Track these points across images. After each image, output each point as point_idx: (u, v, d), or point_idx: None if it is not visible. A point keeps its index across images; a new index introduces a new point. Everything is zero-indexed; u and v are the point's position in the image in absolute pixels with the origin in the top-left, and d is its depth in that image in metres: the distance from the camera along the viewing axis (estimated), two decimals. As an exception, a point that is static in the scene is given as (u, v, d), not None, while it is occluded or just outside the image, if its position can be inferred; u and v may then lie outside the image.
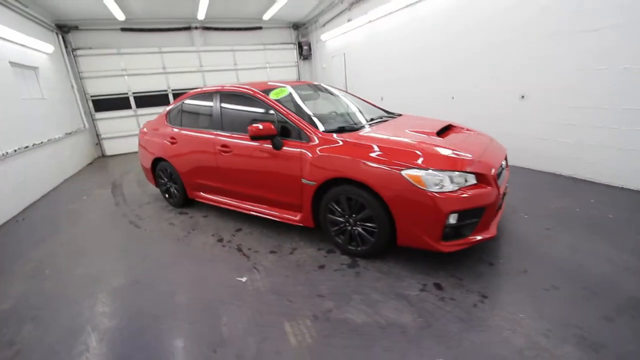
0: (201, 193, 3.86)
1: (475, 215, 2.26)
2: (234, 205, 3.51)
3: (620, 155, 3.51)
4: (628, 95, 3.37)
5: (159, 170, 4.21)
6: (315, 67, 10.62)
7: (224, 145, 3.31)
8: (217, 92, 3.55)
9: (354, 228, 2.61)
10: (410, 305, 2.08)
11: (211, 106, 3.56)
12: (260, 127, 2.79)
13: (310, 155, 2.67)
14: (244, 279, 2.53)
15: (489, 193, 2.28)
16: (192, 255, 2.99)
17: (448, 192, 2.18)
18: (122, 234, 3.64)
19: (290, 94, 3.26)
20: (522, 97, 4.45)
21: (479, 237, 2.30)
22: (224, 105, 3.46)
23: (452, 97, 5.57)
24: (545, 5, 3.93)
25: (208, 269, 2.74)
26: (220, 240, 3.24)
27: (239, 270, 2.67)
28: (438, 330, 1.85)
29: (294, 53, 10.69)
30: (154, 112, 8.72)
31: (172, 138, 3.89)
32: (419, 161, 2.27)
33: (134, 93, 8.88)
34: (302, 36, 10.64)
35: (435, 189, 2.18)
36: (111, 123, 8.85)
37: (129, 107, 8.92)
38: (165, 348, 1.91)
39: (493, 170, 2.36)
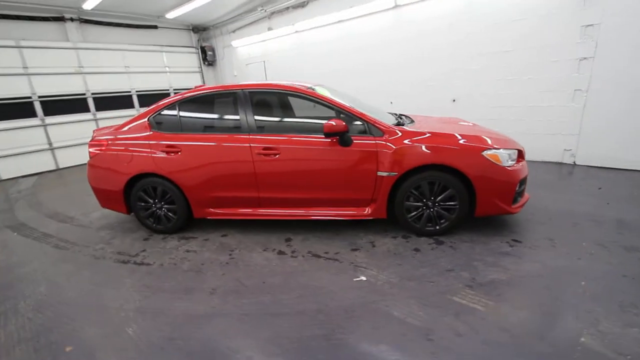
0: (215, 209, 3.27)
1: (524, 181, 2.96)
2: (276, 215, 3.17)
3: (528, 138, 5.05)
4: (530, 96, 4.92)
5: (140, 190, 3.30)
6: (222, 74, 10.02)
7: (267, 149, 2.98)
8: (244, 90, 3.13)
9: (433, 209, 2.90)
10: (518, 257, 2.55)
11: (237, 107, 3.12)
12: (334, 123, 2.73)
13: (394, 146, 2.81)
14: (362, 278, 2.44)
15: (525, 164, 3.02)
16: (278, 273, 2.59)
17: (513, 165, 2.79)
18: (196, 279, 2.71)
19: (329, 92, 3.25)
20: (454, 100, 5.72)
21: (527, 197, 3.01)
22: (259, 105, 3.10)
23: (391, 102, 6.50)
24: (470, 32, 5.23)
25: (312, 280, 2.47)
26: (282, 253, 2.90)
27: (344, 272, 2.53)
28: (550, 262, 2.38)
29: (196, 58, 9.77)
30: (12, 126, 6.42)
31: (170, 147, 3.16)
32: (490, 143, 2.80)
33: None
34: (203, 40, 9.85)
35: (507, 164, 2.75)
36: None
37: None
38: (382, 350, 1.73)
39: (523, 148, 3.13)
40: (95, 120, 7.76)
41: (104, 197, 3.50)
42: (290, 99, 3.38)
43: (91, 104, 7.67)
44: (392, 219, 3.05)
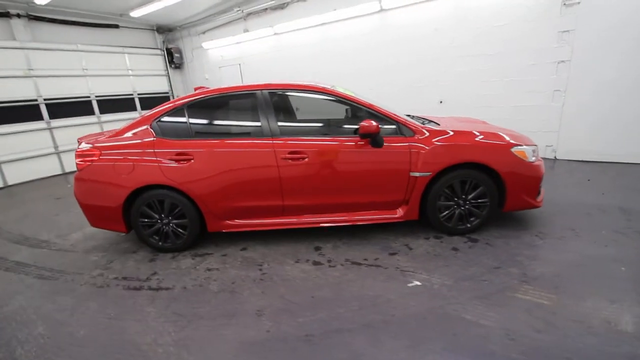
0: (233, 221, 2.99)
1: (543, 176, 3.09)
2: (304, 223, 2.97)
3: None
4: (513, 97, 5.24)
5: (144, 205, 2.91)
6: (191, 77, 9.44)
7: (294, 152, 2.79)
8: (263, 91, 2.90)
9: (464, 208, 2.91)
10: (553, 249, 2.64)
11: (256, 109, 2.88)
12: (369, 124, 2.64)
13: (426, 146, 2.77)
14: (417, 283, 2.35)
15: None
16: (324, 285, 2.39)
17: (535, 161, 2.90)
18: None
19: (352, 93, 3.15)
20: (441, 102, 5.92)
21: (543, 191, 3.15)
22: (279, 106, 2.89)
23: (377, 104, 6.55)
24: (455, 36, 5.45)
25: (363, 289, 2.32)
26: (319, 263, 2.71)
27: (394, 278, 2.42)
28: (583, 251, 2.49)
29: (161, 60, 9.10)
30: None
31: (181, 155, 2.83)
32: (515, 141, 2.88)
33: None
34: (169, 42, 9.21)
35: (532, 159, 2.85)
36: None
37: None
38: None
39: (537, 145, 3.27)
40: (50, 129, 6.82)
41: (97, 215, 3.04)
42: (312, 99, 3.22)
43: (44, 110, 6.74)
44: (423, 220, 3.01)
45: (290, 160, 2.79)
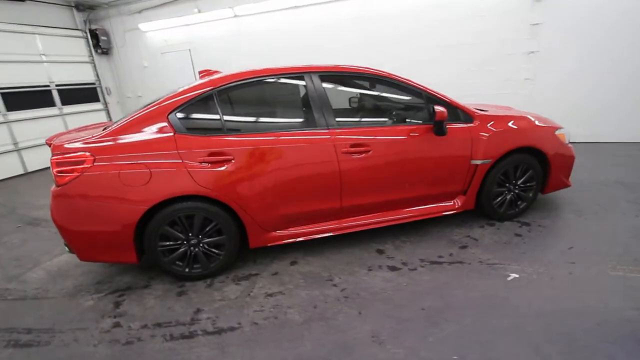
0: (283, 232, 2.49)
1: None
2: (364, 225, 2.61)
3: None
4: (490, 86, 5.58)
5: (166, 224, 2.20)
6: (124, 64, 7.94)
7: (357, 145, 2.40)
8: (312, 73, 2.42)
9: (514, 193, 2.90)
10: (603, 222, 2.77)
11: (306, 95, 2.40)
12: (441, 110, 2.41)
13: (486, 133, 2.65)
14: (515, 275, 2.22)
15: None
16: (422, 292, 2.08)
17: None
18: None
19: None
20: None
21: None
22: (322, 92, 2.44)
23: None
24: (434, 25, 5.53)
25: (468, 290, 2.10)
26: (395, 268, 2.40)
27: (487, 274, 2.26)
28: (629, 222, 2.70)
29: (84, 44, 7.42)
30: None
31: (217, 155, 2.21)
32: (552, 124, 2.96)
33: None
34: (93, 22, 7.55)
35: (567, 141, 2.98)
36: None
37: None
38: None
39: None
40: None
41: (93, 245, 2.21)
42: (361, 85, 2.85)
43: None
44: (477, 209, 2.92)
45: (352, 155, 2.40)
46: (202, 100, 2.28)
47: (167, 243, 2.27)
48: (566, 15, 4.88)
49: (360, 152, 2.42)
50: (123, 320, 2.07)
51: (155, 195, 2.12)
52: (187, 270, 2.36)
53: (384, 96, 2.87)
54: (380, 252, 2.63)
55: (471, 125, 2.67)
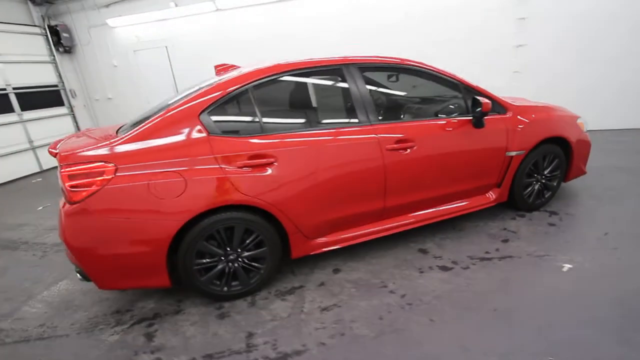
0: (327, 238, 2.29)
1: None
2: (405, 225, 2.48)
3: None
4: (479, 80, 5.67)
5: (202, 239, 1.93)
6: (89, 65, 7.24)
7: (401, 141, 2.26)
8: (350, 65, 2.24)
9: (542, 183, 2.92)
10: (624, 207, 2.88)
11: (346, 88, 2.21)
12: (487, 102, 2.34)
13: (519, 125, 2.63)
14: (568, 266, 2.20)
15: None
16: (487, 292, 1.99)
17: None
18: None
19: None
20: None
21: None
22: (371, 85, 2.29)
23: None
24: (424, 21, 5.55)
25: (531, 286, 2.04)
26: (446, 268, 2.30)
27: (539, 266, 2.23)
28: None
29: (42, 42, 6.63)
30: None
31: (259, 157, 1.97)
32: (572, 113, 3.02)
33: None
34: (52, 17, 6.77)
35: (585, 130, 3.05)
36: None
37: None
38: None
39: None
40: None
41: (118, 269, 1.88)
42: (400, 77, 2.72)
43: None
44: (509, 201, 2.90)
45: (397, 151, 2.26)
46: (236, 97, 2.03)
47: (204, 261, 2.00)
48: (550, 8, 5.08)
49: (405, 149, 2.28)
50: (164, 355, 1.78)
51: (193, 206, 1.85)
52: (225, 289, 2.10)
53: (423, 88, 2.76)
54: (423, 251, 2.52)
55: (505, 116, 2.64)
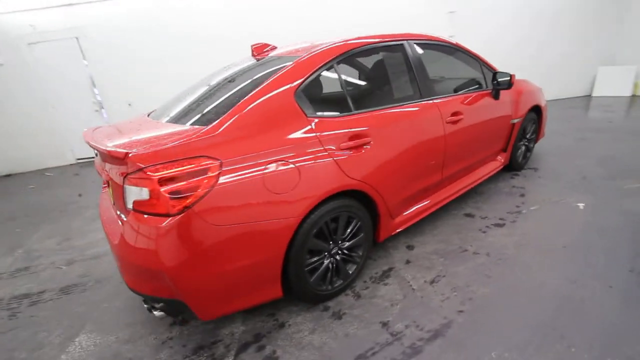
0: (403, 216, 2.30)
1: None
2: (450, 196, 2.62)
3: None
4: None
5: (313, 235, 1.72)
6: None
7: (455, 113, 2.41)
8: (409, 42, 2.29)
9: (525, 145, 3.48)
10: (582, 156, 3.66)
11: (408, 64, 2.23)
12: (513, 74, 2.69)
13: (521, 95, 3.08)
14: (583, 204, 2.69)
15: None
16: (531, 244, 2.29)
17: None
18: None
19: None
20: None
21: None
22: (421, 61, 2.33)
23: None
24: (355, 13, 5.87)
25: (561, 236, 2.43)
26: (500, 225, 2.56)
27: (566, 209, 2.67)
28: None
29: None
30: None
31: (357, 138, 1.84)
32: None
33: None
34: None
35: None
36: None
37: None
38: None
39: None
40: None
41: (231, 288, 1.52)
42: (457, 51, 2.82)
43: None
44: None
45: (452, 124, 2.40)
46: (322, 75, 1.84)
47: (314, 259, 1.77)
48: (477, 3, 6.00)
49: (456, 121, 2.44)
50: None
51: (310, 198, 1.62)
52: (329, 287, 1.91)
53: (462, 65, 2.92)
54: (469, 215, 2.75)
55: (508, 88, 3.05)
